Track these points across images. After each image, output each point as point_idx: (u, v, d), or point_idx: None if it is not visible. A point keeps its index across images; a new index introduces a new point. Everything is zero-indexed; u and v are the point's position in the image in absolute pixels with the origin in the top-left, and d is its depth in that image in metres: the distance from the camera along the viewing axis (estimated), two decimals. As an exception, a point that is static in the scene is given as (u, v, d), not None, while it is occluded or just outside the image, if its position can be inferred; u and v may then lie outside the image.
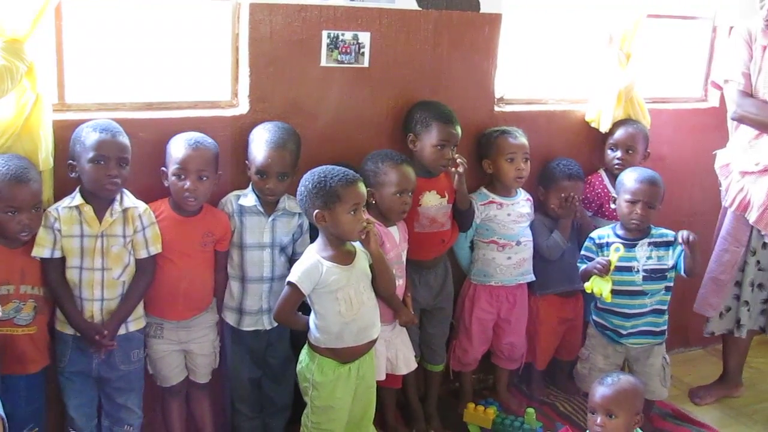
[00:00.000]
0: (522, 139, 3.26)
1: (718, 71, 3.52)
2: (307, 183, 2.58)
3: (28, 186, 2.43)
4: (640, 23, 3.41)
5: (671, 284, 3.18)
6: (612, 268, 3.06)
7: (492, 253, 3.28)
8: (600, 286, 3.07)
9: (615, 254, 3.08)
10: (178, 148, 2.68)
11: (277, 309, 2.64)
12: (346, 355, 2.63)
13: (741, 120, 3.35)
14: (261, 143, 2.77)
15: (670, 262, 3.14)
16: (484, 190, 3.31)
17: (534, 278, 3.37)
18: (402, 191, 2.88)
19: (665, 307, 3.20)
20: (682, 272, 3.12)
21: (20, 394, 2.53)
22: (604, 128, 3.49)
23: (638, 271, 3.13)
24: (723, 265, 3.47)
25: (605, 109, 3.47)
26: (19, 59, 2.42)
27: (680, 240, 3.05)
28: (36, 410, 2.61)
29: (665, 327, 3.22)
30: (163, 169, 2.71)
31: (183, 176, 2.66)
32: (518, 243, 3.28)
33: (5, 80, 2.40)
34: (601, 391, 2.66)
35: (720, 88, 3.50)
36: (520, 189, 3.35)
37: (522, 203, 3.34)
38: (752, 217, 3.33)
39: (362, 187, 2.60)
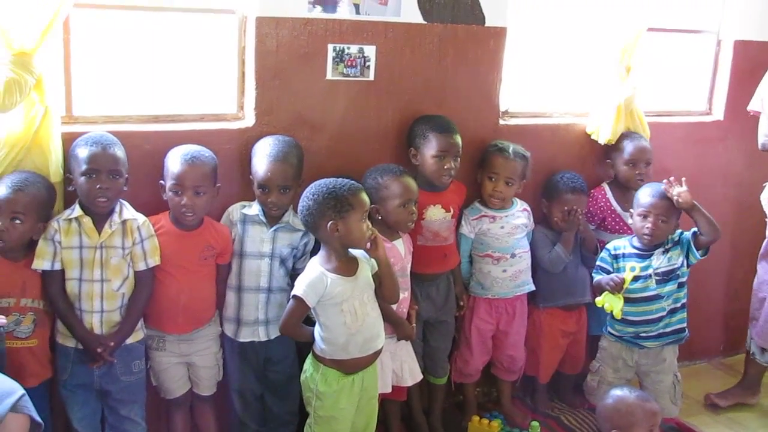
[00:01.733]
0: (513, 161, 3.19)
1: (755, 100, 3.50)
2: (315, 196, 2.58)
3: (11, 191, 2.43)
4: (640, 37, 3.42)
5: (684, 280, 3.19)
6: (625, 287, 3.09)
7: (488, 267, 3.27)
8: (611, 303, 3.11)
9: (630, 274, 3.10)
10: (174, 162, 2.66)
11: (283, 322, 2.65)
12: (351, 367, 2.64)
13: (764, 149, 3.41)
14: (262, 157, 2.77)
15: (680, 260, 3.15)
16: (477, 205, 3.30)
17: (533, 288, 3.36)
18: (406, 202, 2.88)
19: (681, 305, 3.20)
20: (698, 254, 3.12)
21: None
22: (603, 140, 3.48)
23: (651, 276, 3.14)
24: None
25: (605, 122, 3.47)
26: (27, 72, 2.44)
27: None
28: None
29: (684, 324, 3.23)
30: (161, 182, 2.71)
31: (180, 192, 2.65)
32: (513, 255, 3.27)
33: (14, 93, 2.41)
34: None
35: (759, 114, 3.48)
36: (517, 199, 3.34)
37: (517, 214, 3.32)
38: None
39: (366, 195, 2.63)
